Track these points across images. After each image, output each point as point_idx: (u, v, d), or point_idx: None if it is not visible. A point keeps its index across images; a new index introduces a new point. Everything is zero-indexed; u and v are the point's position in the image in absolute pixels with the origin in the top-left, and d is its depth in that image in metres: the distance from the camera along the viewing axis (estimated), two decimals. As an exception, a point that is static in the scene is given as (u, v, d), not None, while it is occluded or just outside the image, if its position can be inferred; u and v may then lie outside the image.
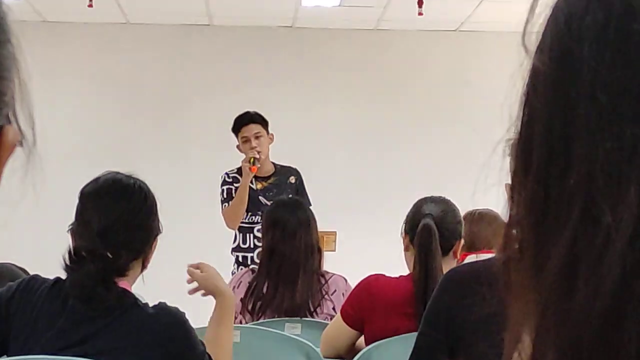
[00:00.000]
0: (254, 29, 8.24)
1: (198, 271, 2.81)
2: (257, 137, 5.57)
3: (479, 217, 3.82)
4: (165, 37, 8.26)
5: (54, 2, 7.65)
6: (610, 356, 0.52)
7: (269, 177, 5.67)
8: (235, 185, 5.60)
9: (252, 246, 5.60)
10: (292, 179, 5.68)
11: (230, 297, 2.83)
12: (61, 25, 8.17)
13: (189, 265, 2.87)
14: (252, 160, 5.49)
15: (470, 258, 3.47)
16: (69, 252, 2.45)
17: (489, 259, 2.86)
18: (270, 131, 5.68)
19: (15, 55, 0.68)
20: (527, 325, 0.56)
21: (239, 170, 5.63)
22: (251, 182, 5.61)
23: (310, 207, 4.84)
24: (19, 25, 0.70)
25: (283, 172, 5.72)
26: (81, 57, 8.26)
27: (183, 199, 7.56)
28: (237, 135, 5.65)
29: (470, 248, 3.73)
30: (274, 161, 5.74)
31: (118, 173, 2.62)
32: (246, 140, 5.58)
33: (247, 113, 5.71)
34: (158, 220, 2.62)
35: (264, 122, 5.65)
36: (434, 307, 2.57)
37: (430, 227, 3.29)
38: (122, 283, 2.49)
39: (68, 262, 2.44)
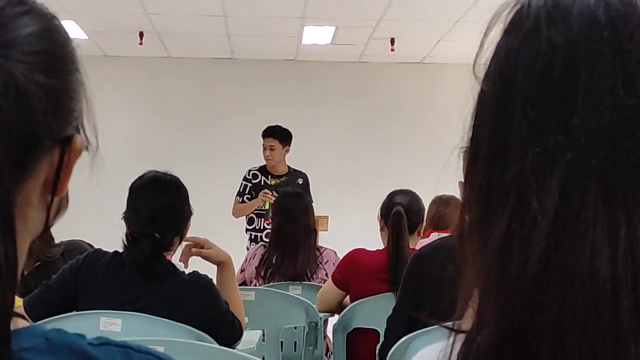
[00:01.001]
0: (265, 62, 8.23)
1: (206, 250, 2.67)
2: (270, 149, 5.56)
3: (445, 201, 3.80)
4: (198, 67, 8.24)
5: (112, 41, 7.63)
6: (537, 310, 0.52)
7: (282, 176, 5.65)
8: (254, 181, 5.61)
9: (262, 228, 5.64)
10: (300, 181, 5.65)
11: (231, 260, 2.71)
12: (118, 58, 8.14)
13: (186, 245, 2.67)
14: (267, 204, 5.40)
15: (434, 235, 3.47)
16: (126, 235, 2.45)
17: (448, 237, 2.87)
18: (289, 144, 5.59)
19: (82, 80, 0.68)
20: (476, 287, 0.57)
21: (261, 168, 5.67)
22: (267, 177, 5.62)
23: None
24: (85, 58, 0.70)
25: (294, 174, 5.69)
26: (134, 83, 8.25)
27: (211, 189, 7.54)
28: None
29: (436, 226, 3.71)
30: (289, 164, 5.71)
31: (157, 171, 2.60)
32: (264, 149, 5.59)
33: (269, 127, 5.66)
34: (189, 205, 2.60)
35: (281, 137, 5.56)
36: (407, 275, 2.58)
37: (401, 213, 3.29)
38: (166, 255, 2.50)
39: (126, 243, 2.44)
